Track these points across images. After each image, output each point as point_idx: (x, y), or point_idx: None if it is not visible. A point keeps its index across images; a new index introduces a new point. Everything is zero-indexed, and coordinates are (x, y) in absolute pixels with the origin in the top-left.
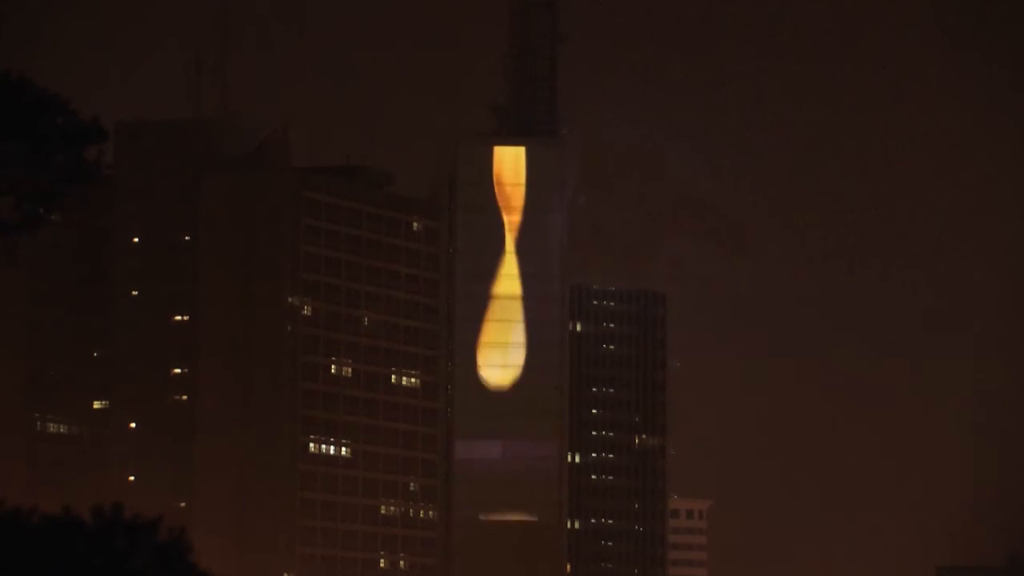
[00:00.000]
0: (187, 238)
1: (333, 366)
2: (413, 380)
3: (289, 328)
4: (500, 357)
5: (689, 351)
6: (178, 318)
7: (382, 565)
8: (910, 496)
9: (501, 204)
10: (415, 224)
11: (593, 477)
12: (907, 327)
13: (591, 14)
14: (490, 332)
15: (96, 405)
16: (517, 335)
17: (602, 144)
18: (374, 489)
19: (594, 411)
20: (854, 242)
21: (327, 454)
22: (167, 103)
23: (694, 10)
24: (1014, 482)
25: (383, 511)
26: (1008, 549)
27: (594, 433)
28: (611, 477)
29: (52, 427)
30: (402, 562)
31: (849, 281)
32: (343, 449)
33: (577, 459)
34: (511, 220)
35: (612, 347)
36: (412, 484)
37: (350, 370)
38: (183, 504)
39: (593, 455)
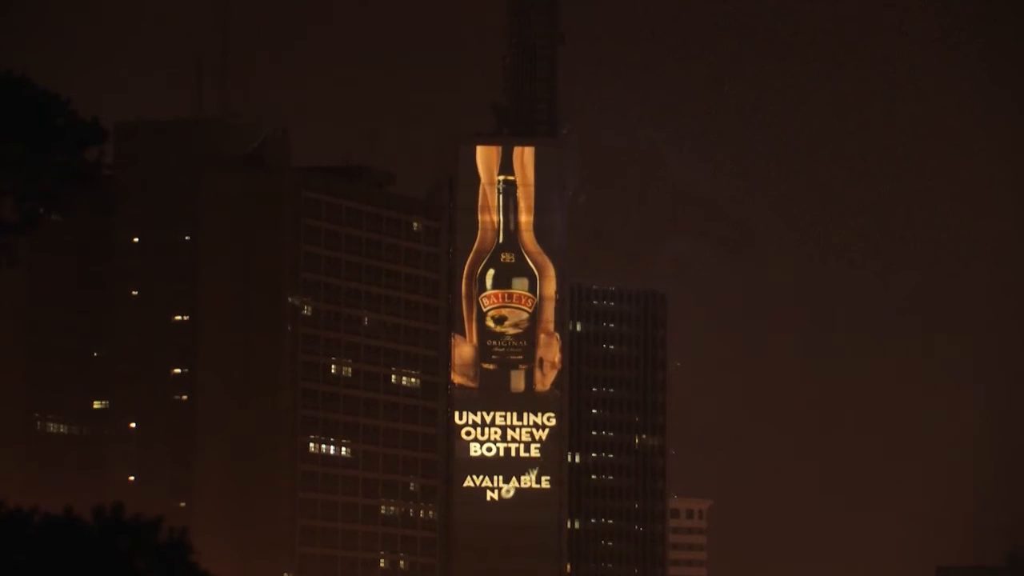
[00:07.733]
0: (187, 238)
1: (333, 366)
2: (413, 380)
3: (289, 328)
4: None
5: (689, 351)
6: (178, 318)
7: (382, 565)
8: (910, 496)
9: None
10: (415, 224)
11: (593, 477)
12: (907, 327)
13: (591, 14)
14: None
15: (96, 405)
16: None
17: (602, 144)
18: (374, 489)
19: (594, 411)
20: (854, 242)
21: (327, 454)
22: (167, 103)
23: (694, 10)
24: (1014, 482)
25: (383, 511)
26: (1008, 549)
27: (594, 433)
28: (611, 477)
29: (52, 427)
30: (402, 562)
31: (849, 281)
32: (343, 449)
33: (577, 459)
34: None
35: (612, 347)
36: (412, 484)
37: (350, 370)
38: (183, 504)
39: (593, 455)
